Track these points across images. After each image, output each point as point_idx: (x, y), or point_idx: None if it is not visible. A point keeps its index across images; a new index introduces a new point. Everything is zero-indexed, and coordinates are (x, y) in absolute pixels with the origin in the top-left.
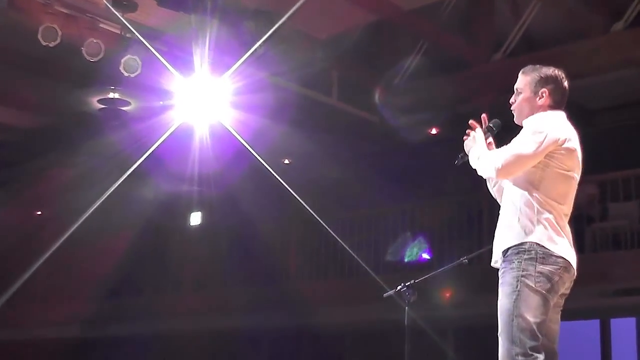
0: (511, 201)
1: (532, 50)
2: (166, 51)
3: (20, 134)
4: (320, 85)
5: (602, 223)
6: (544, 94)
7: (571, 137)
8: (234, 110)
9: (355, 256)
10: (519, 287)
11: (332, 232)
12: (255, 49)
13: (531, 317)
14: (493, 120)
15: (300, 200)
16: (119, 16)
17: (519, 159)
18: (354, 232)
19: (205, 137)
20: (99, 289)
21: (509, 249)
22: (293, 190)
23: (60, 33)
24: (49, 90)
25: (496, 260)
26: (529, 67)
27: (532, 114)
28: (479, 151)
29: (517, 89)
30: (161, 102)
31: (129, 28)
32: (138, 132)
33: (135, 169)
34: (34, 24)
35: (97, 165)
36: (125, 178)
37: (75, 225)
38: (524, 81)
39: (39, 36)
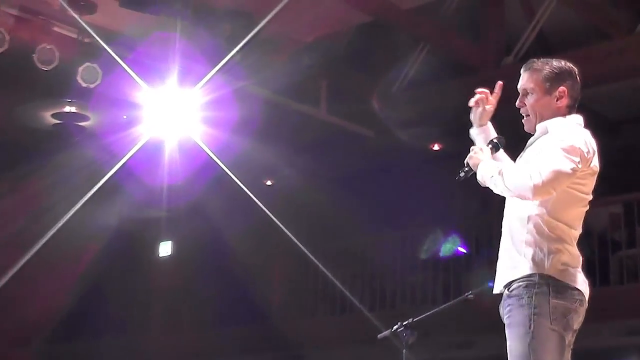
0: (516, 224)
1: (546, 53)
2: (130, 58)
3: None
4: (306, 96)
5: (629, 250)
6: (562, 94)
7: (595, 154)
8: (208, 125)
9: (346, 292)
10: (532, 327)
11: (319, 264)
12: (232, 55)
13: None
14: (498, 137)
15: (284, 228)
16: (77, 18)
17: (558, 177)
18: (345, 263)
19: (176, 156)
20: (49, 333)
21: (513, 281)
22: (275, 216)
23: (8, 38)
24: None
25: (499, 290)
26: (535, 61)
27: (550, 118)
28: (495, 166)
29: (524, 90)
30: (125, 117)
31: (87, 32)
32: (98, 151)
33: (94, 193)
34: None
35: (48, 189)
36: (82, 204)
37: (21, 262)
38: (533, 79)
39: None
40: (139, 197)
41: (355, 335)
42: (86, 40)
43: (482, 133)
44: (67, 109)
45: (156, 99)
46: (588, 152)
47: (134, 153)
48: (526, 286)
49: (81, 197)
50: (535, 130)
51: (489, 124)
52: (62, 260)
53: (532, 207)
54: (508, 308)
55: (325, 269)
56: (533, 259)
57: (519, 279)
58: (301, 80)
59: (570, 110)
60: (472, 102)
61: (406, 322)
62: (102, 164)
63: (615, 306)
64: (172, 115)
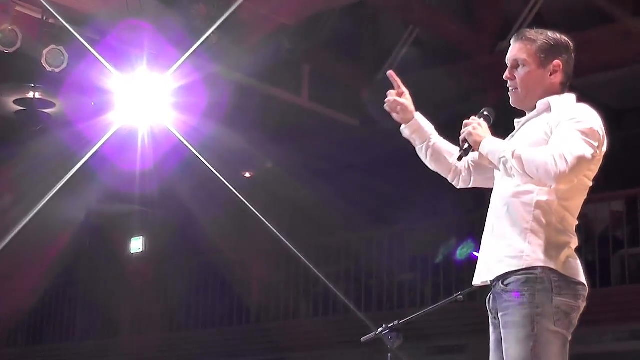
0: (518, 209)
1: None
2: (98, 41)
3: None
4: (287, 82)
5: (632, 249)
6: (557, 68)
7: (605, 138)
8: (181, 112)
9: (334, 289)
10: (535, 330)
11: (305, 260)
12: (207, 38)
13: None
14: (487, 108)
15: (266, 221)
16: None
17: (583, 164)
18: (331, 261)
19: (148, 145)
20: (11, 335)
21: (509, 273)
22: (256, 210)
23: None
24: None
25: (484, 280)
26: (528, 31)
27: (545, 96)
28: (506, 146)
29: (515, 61)
30: (93, 103)
31: (51, 12)
32: (64, 140)
33: (62, 185)
34: None
35: (12, 182)
36: (50, 197)
37: None
38: (526, 50)
39: None
40: (110, 187)
41: (340, 336)
42: (51, 21)
43: (413, 128)
44: (31, 94)
45: (126, 85)
46: (603, 135)
47: (105, 141)
48: (526, 281)
49: (49, 189)
50: (522, 106)
51: (418, 115)
52: (27, 258)
53: (541, 192)
54: (504, 305)
55: (310, 265)
56: (538, 251)
57: (518, 271)
58: (282, 65)
59: (563, 88)
60: (387, 108)
61: (392, 324)
62: (72, 153)
63: (617, 308)
64: (144, 102)
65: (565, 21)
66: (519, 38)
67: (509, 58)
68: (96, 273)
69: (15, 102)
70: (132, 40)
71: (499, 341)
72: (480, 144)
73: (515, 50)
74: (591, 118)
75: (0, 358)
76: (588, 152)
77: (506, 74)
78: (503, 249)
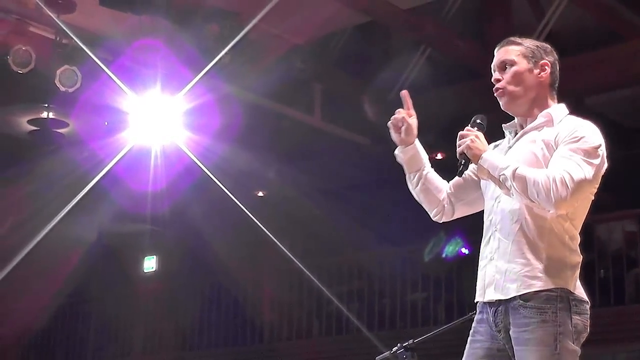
0: (531, 228)
1: (557, 56)
2: (111, 61)
3: None
4: (299, 101)
5: None
6: (545, 67)
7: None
8: (194, 132)
9: (343, 310)
10: (558, 348)
11: (315, 280)
12: (220, 58)
13: None
14: (479, 116)
15: (277, 242)
16: (54, 18)
17: (584, 187)
18: (342, 280)
19: (160, 164)
20: (22, 354)
21: (532, 292)
22: (268, 230)
23: None
24: None
25: (493, 299)
26: (512, 38)
27: (536, 97)
28: (503, 162)
29: (503, 63)
30: (106, 123)
31: (65, 32)
32: (77, 159)
33: (74, 204)
34: None
35: (25, 200)
36: (62, 216)
37: None
38: (513, 52)
39: None
40: (123, 206)
41: (353, 356)
42: (64, 41)
43: (410, 153)
44: (45, 114)
45: (139, 104)
46: (604, 153)
47: (118, 161)
48: (547, 299)
49: (61, 208)
50: (514, 108)
51: (417, 142)
52: (39, 276)
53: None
54: (524, 321)
55: (320, 286)
56: (552, 269)
57: (542, 290)
58: (294, 85)
59: (552, 90)
60: (391, 124)
61: (406, 343)
62: (84, 173)
63: (631, 327)
64: (157, 122)
65: (577, 41)
66: (504, 44)
67: (495, 63)
68: (109, 292)
69: (29, 122)
70: (145, 60)
71: (488, 355)
72: (480, 157)
73: (501, 54)
74: (594, 136)
75: None
76: (589, 173)
77: (494, 77)
78: (518, 267)
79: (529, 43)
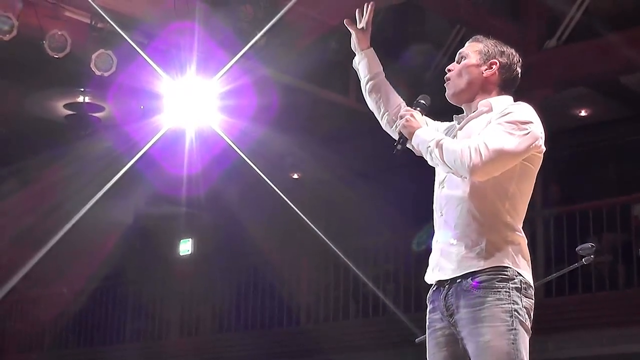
0: (470, 209)
1: (592, 36)
2: (146, 44)
3: None
4: (334, 83)
5: None
6: (493, 65)
7: (543, 136)
8: (229, 116)
9: (379, 292)
10: (514, 324)
11: (350, 264)
12: (255, 41)
13: None
14: (422, 95)
15: (312, 225)
16: (89, 1)
17: (502, 157)
18: (378, 262)
19: (196, 147)
20: (60, 337)
21: (481, 271)
22: (303, 212)
23: (16, 24)
24: (2, 94)
25: (441, 277)
26: (480, 36)
27: (477, 91)
28: (430, 135)
29: (459, 55)
30: (142, 107)
31: (101, 16)
32: (112, 142)
33: (110, 186)
34: None
35: (62, 183)
36: (98, 198)
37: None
38: (471, 47)
39: None
40: (158, 189)
41: (389, 338)
42: (99, 25)
43: (369, 56)
44: (81, 98)
45: (175, 88)
46: (537, 126)
47: (153, 143)
48: (500, 280)
49: (97, 191)
50: (455, 98)
51: (372, 52)
52: (75, 259)
53: (495, 190)
54: (479, 300)
55: (356, 268)
56: (496, 252)
57: (490, 269)
58: (329, 67)
59: (498, 90)
60: (349, 20)
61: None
62: (120, 155)
63: None
64: (192, 105)
65: (613, 18)
66: (470, 40)
67: (458, 53)
68: (145, 275)
69: (65, 106)
70: (180, 43)
71: (451, 341)
72: (413, 135)
73: (465, 46)
74: (523, 112)
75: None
76: (509, 144)
77: (447, 67)
78: (460, 249)
79: (489, 43)
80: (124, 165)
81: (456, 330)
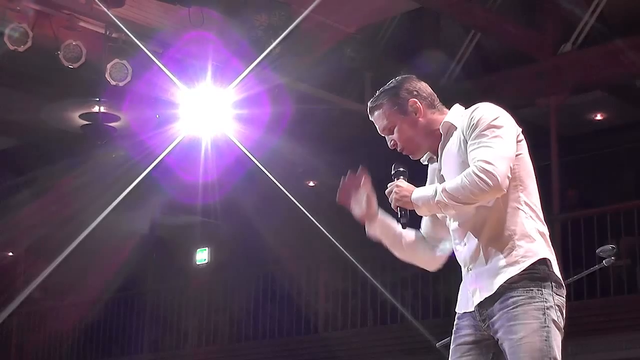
0: (487, 222)
1: (607, 40)
2: (161, 53)
3: None
4: (350, 91)
5: None
6: (413, 105)
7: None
8: (244, 124)
9: (392, 299)
10: (547, 321)
11: (364, 272)
12: (270, 49)
13: None
14: (396, 164)
15: (327, 234)
16: (105, 10)
17: (505, 162)
18: (395, 269)
19: (212, 156)
20: (77, 348)
21: (516, 275)
22: (318, 220)
23: (31, 34)
24: (17, 104)
25: (481, 299)
26: (370, 102)
27: (423, 134)
28: (428, 190)
29: (384, 130)
30: (157, 116)
31: (115, 26)
32: (129, 152)
33: (125, 197)
34: None
35: (78, 192)
36: (114, 207)
37: (48, 271)
38: (383, 115)
39: (5, 39)
40: (174, 197)
41: (405, 345)
42: (114, 35)
43: (383, 224)
44: (96, 108)
45: (190, 97)
46: (507, 118)
47: (169, 152)
48: (531, 279)
49: (113, 200)
50: (422, 155)
51: (381, 217)
52: (92, 269)
53: (500, 199)
54: (513, 300)
55: (370, 276)
56: (527, 247)
57: (524, 271)
58: (344, 75)
59: (435, 109)
60: (342, 196)
61: None
62: (136, 164)
63: None
64: (207, 114)
65: (628, 22)
66: (371, 114)
67: (380, 131)
68: (163, 284)
69: (80, 116)
70: (196, 52)
71: (475, 348)
72: (411, 202)
73: (378, 122)
74: (486, 112)
75: None
76: (500, 146)
77: (390, 144)
78: (495, 263)
79: (382, 98)
80: (140, 174)
81: (490, 334)
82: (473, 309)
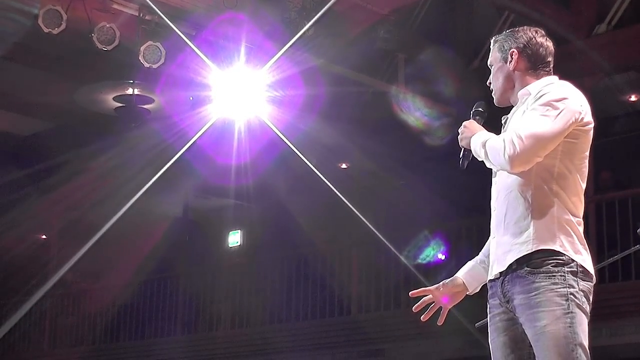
0: (517, 197)
1: None
2: (195, 35)
3: (18, 141)
4: (383, 72)
5: None
6: (513, 55)
7: (588, 109)
8: (278, 106)
9: (425, 280)
10: (571, 307)
11: (397, 253)
12: (304, 31)
13: (587, 348)
14: (478, 103)
15: (361, 216)
16: None
17: (538, 142)
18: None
19: (245, 138)
20: (110, 329)
21: (532, 254)
22: (351, 202)
23: (65, 17)
24: (51, 86)
25: (500, 270)
26: (494, 38)
27: (515, 85)
28: (482, 138)
29: (490, 65)
30: (191, 98)
31: (149, 8)
32: (163, 134)
33: (158, 179)
34: (32, 7)
35: (111, 174)
36: (146, 189)
37: (81, 252)
38: (492, 53)
39: (40, 22)
40: (207, 179)
41: (441, 327)
42: (147, 17)
43: (473, 287)
44: (130, 91)
45: (224, 79)
46: (581, 103)
47: (202, 134)
48: (555, 265)
49: (146, 182)
50: (502, 103)
51: (463, 277)
52: (125, 252)
53: (539, 174)
54: (535, 286)
55: (403, 258)
56: (547, 235)
57: (539, 252)
58: (378, 56)
59: (533, 72)
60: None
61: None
62: (169, 146)
63: None
64: (241, 96)
65: None
66: (491, 46)
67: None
68: (195, 267)
69: (114, 98)
70: (229, 34)
71: (510, 326)
72: (469, 143)
73: (488, 59)
74: (557, 90)
75: (103, 353)
76: (544, 126)
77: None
78: (511, 238)
79: (502, 37)
80: (173, 157)
81: (515, 315)
82: (495, 279)
